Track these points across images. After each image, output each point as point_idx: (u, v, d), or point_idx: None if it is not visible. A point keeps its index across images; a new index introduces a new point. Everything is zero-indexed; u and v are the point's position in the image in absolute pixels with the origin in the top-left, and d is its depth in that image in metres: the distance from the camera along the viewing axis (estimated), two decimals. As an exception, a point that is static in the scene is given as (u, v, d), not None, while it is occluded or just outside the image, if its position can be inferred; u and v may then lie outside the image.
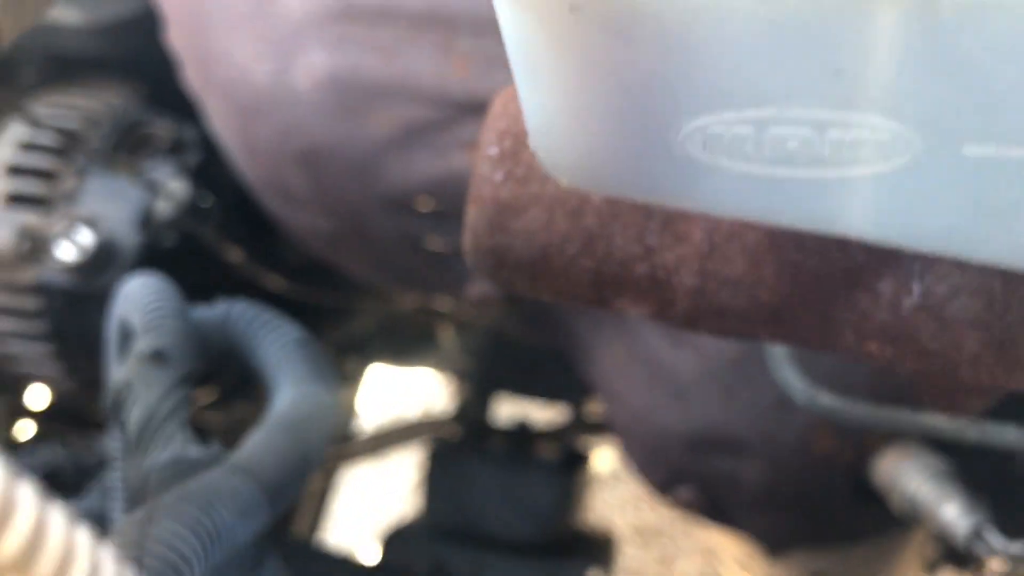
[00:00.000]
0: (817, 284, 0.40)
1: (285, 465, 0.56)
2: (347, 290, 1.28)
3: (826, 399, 0.59)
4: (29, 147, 1.05)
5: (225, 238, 1.09)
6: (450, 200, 0.87)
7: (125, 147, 1.07)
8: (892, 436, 0.90)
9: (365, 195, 0.92)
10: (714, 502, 0.97)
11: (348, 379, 1.70)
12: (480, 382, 1.47)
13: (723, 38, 0.26)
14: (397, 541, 1.27)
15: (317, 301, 1.25)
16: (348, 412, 1.87)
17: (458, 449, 1.33)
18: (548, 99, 0.29)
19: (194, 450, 0.57)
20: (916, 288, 0.40)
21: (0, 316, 1.05)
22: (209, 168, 1.09)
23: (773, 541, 1.01)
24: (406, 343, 1.66)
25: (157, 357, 0.60)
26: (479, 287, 0.97)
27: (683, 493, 0.98)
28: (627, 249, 0.41)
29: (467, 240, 0.44)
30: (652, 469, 1.00)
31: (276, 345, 0.66)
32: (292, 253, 1.26)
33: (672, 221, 0.41)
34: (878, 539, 1.15)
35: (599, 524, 2.47)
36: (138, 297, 0.64)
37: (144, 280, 0.66)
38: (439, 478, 1.29)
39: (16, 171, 1.05)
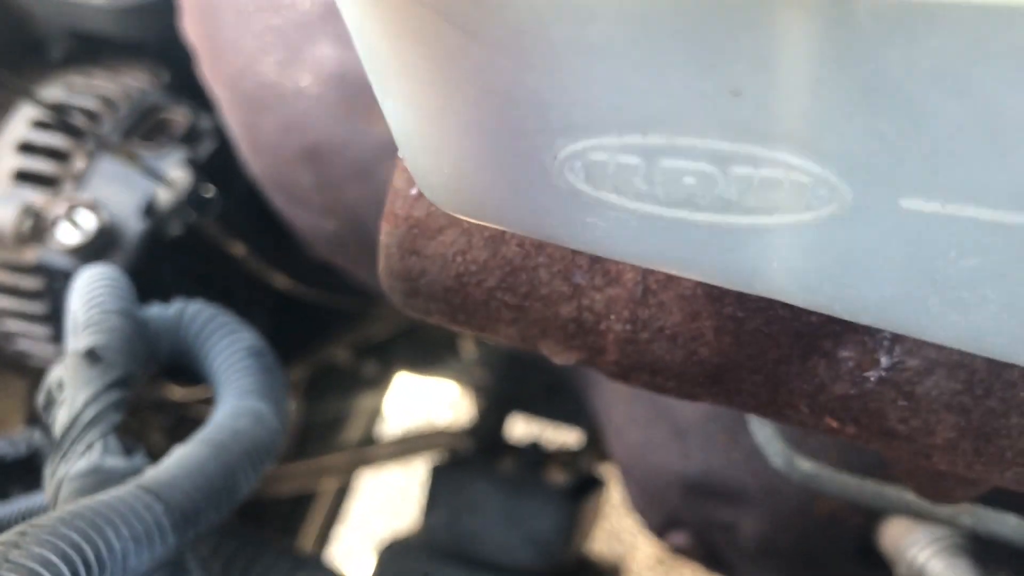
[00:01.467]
0: (763, 345, 0.34)
1: (203, 488, 0.50)
2: (362, 294, 1.23)
3: (806, 466, 0.52)
4: (41, 126, 1.02)
5: (231, 232, 1.05)
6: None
7: (139, 132, 1.04)
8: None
9: (365, 198, 0.87)
10: (710, 550, 0.90)
11: (370, 383, 1.66)
12: (497, 399, 1.41)
13: (588, 41, 0.20)
14: (390, 555, 1.22)
15: (326, 302, 1.21)
16: (372, 416, 1.83)
17: (463, 465, 1.28)
18: (399, 103, 0.24)
19: (113, 461, 0.53)
20: (884, 359, 0.33)
21: (1, 294, 1.02)
22: (221, 160, 1.05)
23: (773, 599, 0.94)
24: (428, 352, 1.61)
25: (90, 356, 0.56)
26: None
27: (678, 538, 0.91)
28: (552, 286, 0.35)
29: (380, 262, 0.38)
30: (648, 510, 0.93)
31: (226, 352, 0.61)
32: (306, 253, 1.22)
33: (602, 258, 0.35)
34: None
35: (621, 551, 2.40)
36: (84, 290, 0.59)
37: (94, 271, 0.61)
38: (440, 494, 1.23)
39: (26, 149, 1.02)
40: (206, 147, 1.04)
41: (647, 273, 0.34)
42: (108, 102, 1.04)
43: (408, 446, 1.56)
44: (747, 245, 0.24)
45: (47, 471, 0.54)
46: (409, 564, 1.20)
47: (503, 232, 0.35)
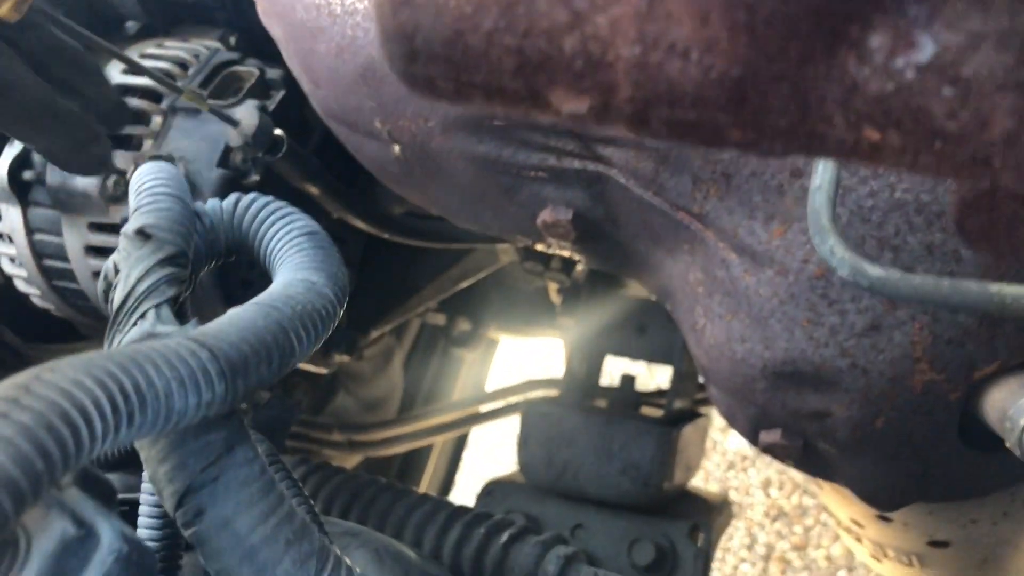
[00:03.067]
0: (782, 39, 0.29)
1: (251, 341, 0.48)
2: (441, 237, 1.22)
3: (875, 271, 0.47)
4: (123, 90, 1.04)
5: (308, 179, 1.05)
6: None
7: (211, 88, 1.05)
8: (1008, 367, 0.75)
9: (424, 114, 0.84)
10: (805, 447, 0.85)
11: (464, 344, 1.64)
12: (588, 345, 1.37)
13: None
14: (490, 497, 1.19)
15: (408, 243, 1.20)
16: (478, 380, 1.82)
17: (557, 406, 1.24)
18: None
19: (164, 328, 0.51)
20: (921, 39, 0.29)
21: (93, 255, 1.04)
22: (293, 110, 1.05)
23: (876, 495, 0.87)
24: (516, 310, 1.59)
25: (141, 235, 0.54)
26: (549, 213, 0.88)
27: (771, 437, 0.85)
28: (552, 16, 0.32)
29: (376, 25, 0.35)
30: (737, 411, 0.88)
31: (281, 234, 0.59)
32: (385, 205, 1.21)
33: (602, -26, 0.31)
34: (1002, 497, 0.99)
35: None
36: (136, 181, 0.58)
37: (146, 166, 0.60)
38: (534, 432, 1.20)
39: (107, 112, 1.03)
40: (276, 96, 1.04)
41: (651, -19, 0.30)
42: (179, 63, 1.05)
43: (507, 400, 1.53)
44: None
45: (102, 345, 0.53)
46: (508, 503, 1.17)
47: (496, -35, 0.32)
